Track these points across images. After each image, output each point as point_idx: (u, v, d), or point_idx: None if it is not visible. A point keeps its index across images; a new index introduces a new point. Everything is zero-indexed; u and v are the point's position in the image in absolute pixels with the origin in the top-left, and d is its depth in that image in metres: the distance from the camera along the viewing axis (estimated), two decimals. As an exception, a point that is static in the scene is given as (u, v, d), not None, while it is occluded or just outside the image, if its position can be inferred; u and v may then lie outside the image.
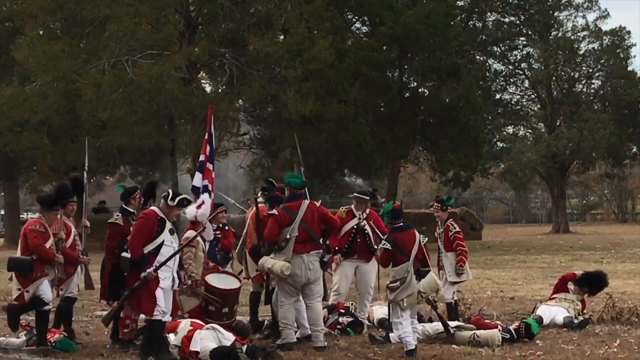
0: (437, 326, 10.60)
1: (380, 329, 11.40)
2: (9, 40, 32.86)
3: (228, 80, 30.30)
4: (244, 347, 9.49)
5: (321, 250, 10.36)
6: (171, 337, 9.83)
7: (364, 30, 38.02)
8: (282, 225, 10.12)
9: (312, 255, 10.20)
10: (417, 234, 10.10)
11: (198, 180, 10.95)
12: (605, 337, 10.64)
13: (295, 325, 10.39)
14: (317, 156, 29.89)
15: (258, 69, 30.15)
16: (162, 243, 9.56)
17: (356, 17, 37.44)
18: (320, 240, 10.42)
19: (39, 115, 29.01)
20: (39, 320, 10.15)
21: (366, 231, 11.43)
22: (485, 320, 11.14)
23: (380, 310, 11.76)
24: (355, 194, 11.67)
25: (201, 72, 35.07)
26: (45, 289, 10.05)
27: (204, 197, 10.63)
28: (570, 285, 12.23)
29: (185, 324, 9.77)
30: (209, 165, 10.98)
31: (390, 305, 10.04)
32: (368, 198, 11.59)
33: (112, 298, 10.79)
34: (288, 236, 10.11)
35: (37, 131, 30.07)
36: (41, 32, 31.82)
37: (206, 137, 11.20)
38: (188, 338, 9.52)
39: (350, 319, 11.28)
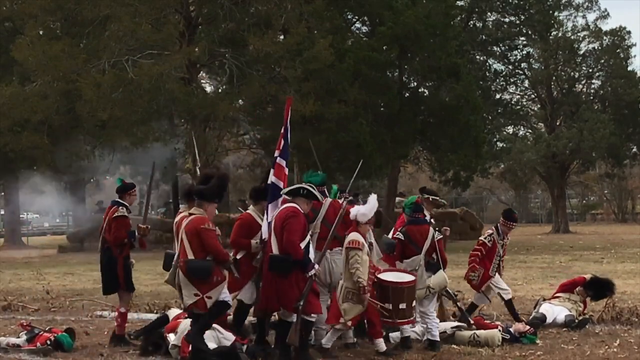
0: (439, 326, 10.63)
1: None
2: (9, 40, 32.84)
3: (228, 80, 30.31)
4: (244, 347, 9.49)
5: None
6: (171, 337, 9.82)
7: (364, 30, 38.00)
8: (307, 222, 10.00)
9: (335, 253, 10.09)
10: (431, 229, 10.31)
11: (272, 177, 10.22)
12: (605, 337, 10.65)
13: None
14: (317, 156, 29.84)
15: (258, 69, 30.16)
16: (309, 241, 9.31)
17: (356, 17, 37.41)
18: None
19: (39, 115, 29.01)
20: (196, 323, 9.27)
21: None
22: (485, 321, 11.17)
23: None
24: (430, 195, 11.58)
25: (201, 72, 35.08)
26: (227, 291, 9.33)
27: (370, 197, 9.95)
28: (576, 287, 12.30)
29: (185, 324, 9.76)
30: (281, 161, 10.20)
31: None
32: (438, 198, 11.70)
33: (113, 291, 10.95)
34: (310, 232, 9.97)
35: (37, 131, 30.06)
36: (41, 32, 31.82)
37: (282, 131, 10.34)
38: (188, 338, 9.51)
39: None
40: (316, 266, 9.23)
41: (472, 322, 10.85)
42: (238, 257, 9.91)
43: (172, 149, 31.42)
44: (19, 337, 10.70)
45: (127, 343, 10.66)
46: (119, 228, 10.69)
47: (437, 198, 11.63)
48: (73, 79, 28.29)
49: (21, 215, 47.66)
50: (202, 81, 36.89)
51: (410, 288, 9.79)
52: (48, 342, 10.32)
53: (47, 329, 10.98)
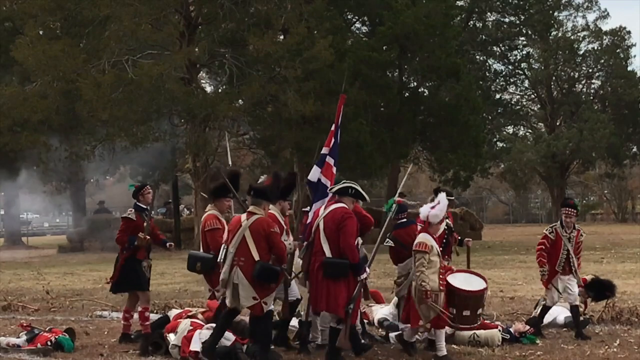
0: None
1: (380, 329, 11.40)
2: (9, 40, 32.82)
3: (228, 80, 30.28)
4: (244, 347, 9.49)
5: None
6: (171, 337, 9.82)
7: (364, 30, 38.02)
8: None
9: None
10: (420, 229, 10.23)
11: (315, 174, 9.98)
12: (605, 337, 10.65)
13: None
14: (317, 156, 29.83)
15: (258, 69, 30.13)
16: (359, 243, 9.19)
17: (356, 17, 37.43)
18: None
19: (39, 115, 28.98)
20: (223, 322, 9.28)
21: (453, 230, 11.41)
22: (485, 321, 11.15)
23: (380, 311, 11.78)
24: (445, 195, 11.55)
25: (201, 72, 35.07)
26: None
27: (440, 196, 9.79)
28: None
29: (185, 324, 9.76)
30: (330, 160, 9.98)
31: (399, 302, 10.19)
32: (453, 198, 11.62)
33: (121, 290, 11.03)
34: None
35: (37, 131, 30.05)
36: (41, 32, 31.77)
37: (332, 128, 10.14)
38: (188, 338, 9.51)
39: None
40: (367, 270, 9.13)
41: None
42: None
43: (172, 149, 31.45)
44: (19, 337, 10.70)
45: (135, 340, 10.66)
46: (121, 229, 10.83)
47: (452, 198, 11.56)
48: (73, 79, 28.27)
49: (21, 215, 47.65)
50: (202, 81, 36.87)
51: (476, 297, 9.60)
52: (49, 342, 10.32)
53: (47, 329, 10.98)
